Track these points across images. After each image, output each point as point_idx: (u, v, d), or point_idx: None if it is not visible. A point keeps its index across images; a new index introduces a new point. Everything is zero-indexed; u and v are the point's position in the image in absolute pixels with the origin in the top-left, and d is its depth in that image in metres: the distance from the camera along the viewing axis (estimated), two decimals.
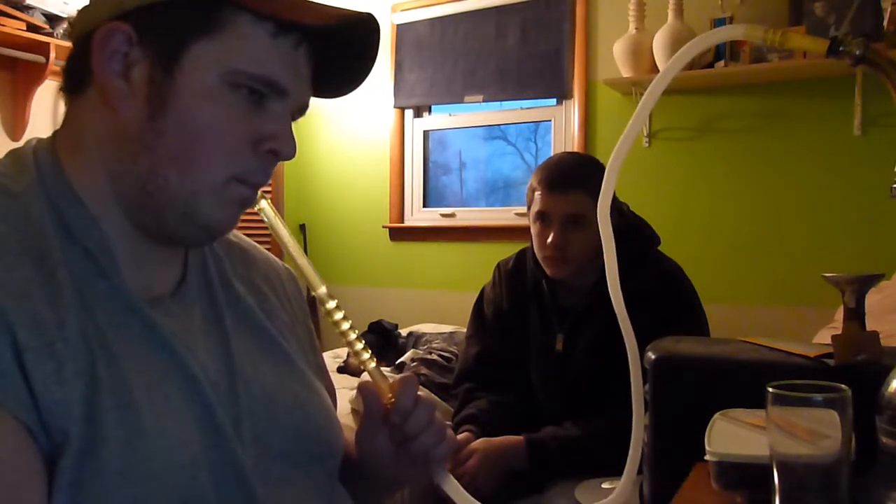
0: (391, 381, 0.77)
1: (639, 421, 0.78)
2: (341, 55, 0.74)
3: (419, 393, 0.76)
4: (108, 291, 0.65)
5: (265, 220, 0.75)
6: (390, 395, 0.75)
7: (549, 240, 1.60)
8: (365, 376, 0.79)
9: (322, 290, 0.75)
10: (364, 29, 0.73)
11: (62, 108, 0.73)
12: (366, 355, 0.76)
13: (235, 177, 0.68)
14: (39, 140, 0.71)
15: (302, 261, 0.76)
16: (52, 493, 0.57)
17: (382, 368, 2.65)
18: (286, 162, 3.41)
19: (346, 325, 0.75)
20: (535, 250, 1.66)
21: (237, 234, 0.86)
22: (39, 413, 0.57)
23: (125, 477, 0.59)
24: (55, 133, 0.71)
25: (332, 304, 0.75)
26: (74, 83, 0.70)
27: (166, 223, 0.68)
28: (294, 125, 0.72)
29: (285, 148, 0.70)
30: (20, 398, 0.56)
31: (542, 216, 1.62)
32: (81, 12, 0.69)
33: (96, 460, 0.58)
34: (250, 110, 0.68)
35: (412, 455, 0.77)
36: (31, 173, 0.67)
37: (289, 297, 0.87)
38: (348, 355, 2.93)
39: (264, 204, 0.74)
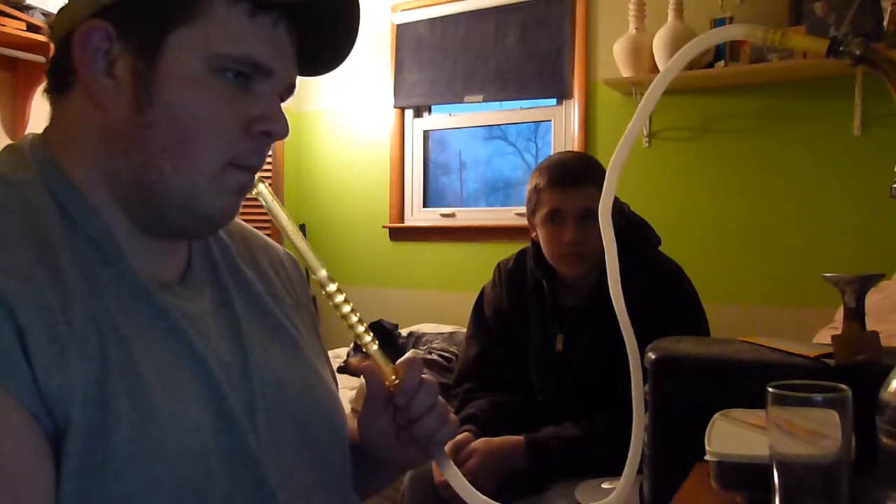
0: (395, 364, 0.77)
1: (639, 421, 0.78)
2: (322, 29, 0.74)
3: (423, 375, 0.76)
4: (116, 278, 0.65)
5: (263, 203, 0.74)
6: (393, 377, 0.75)
7: (566, 237, 1.59)
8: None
9: (322, 273, 0.75)
10: (343, 1, 0.72)
11: None
12: (367, 338, 0.76)
13: (230, 162, 0.68)
14: (34, 136, 0.71)
15: (301, 244, 0.75)
16: (59, 479, 0.57)
17: None
18: (287, 162, 3.40)
19: (347, 308, 0.75)
20: (548, 251, 1.66)
21: (238, 221, 0.86)
22: (42, 397, 0.57)
23: (136, 462, 0.59)
24: (46, 131, 0.71)
25: (332, 287, 0.75)
26: (59, 84, 0.69)
27: (167, 217, 0.68)
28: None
29: (277, 127, 0.69)
30: (24, 382, 0.56)
31: (554, 214, 1.61)
32: (59, 13, 0.69)
33: (106, 445, 0.58)
34: (238, 94, 0.67)
35: (414, 438, 0.76)
36: (30, 166, 0.67)
37: (292, 281, 0.87)
38: (348, 355, 2.93)
39: (262, 188, 0.74)
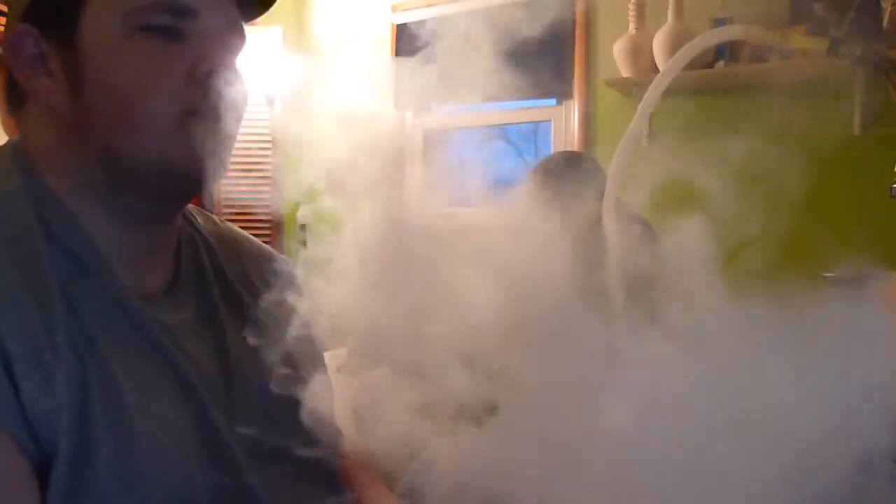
0: None
1: None
2: None
3: None
4: (95, 291, 0.63)
5: None
6: None
7: None
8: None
9: None
10: None
11: None
12: None
13: (186, 111, 0.65)
14: (14, 142, 0.69)
15: None
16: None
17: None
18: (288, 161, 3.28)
19: None
20: None
21: (230, 227, 0.84)
22: (29, 424, 0.56)
23: (120, 482, 0.58)
24: (20, 142, 0.70)
25: None
26: (13, 103, 0.69)
27: (149, 188, 0.66)
28: None
29: (216, 61, 0.65)
30: (11, 410, 0.55)
31: None
32: (3, 38, 0.68)
33: (90, 468, 0.57)
34: (169, 44, 0.64)
35: None
36: (13, 176, 0.65)
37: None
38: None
39: None
